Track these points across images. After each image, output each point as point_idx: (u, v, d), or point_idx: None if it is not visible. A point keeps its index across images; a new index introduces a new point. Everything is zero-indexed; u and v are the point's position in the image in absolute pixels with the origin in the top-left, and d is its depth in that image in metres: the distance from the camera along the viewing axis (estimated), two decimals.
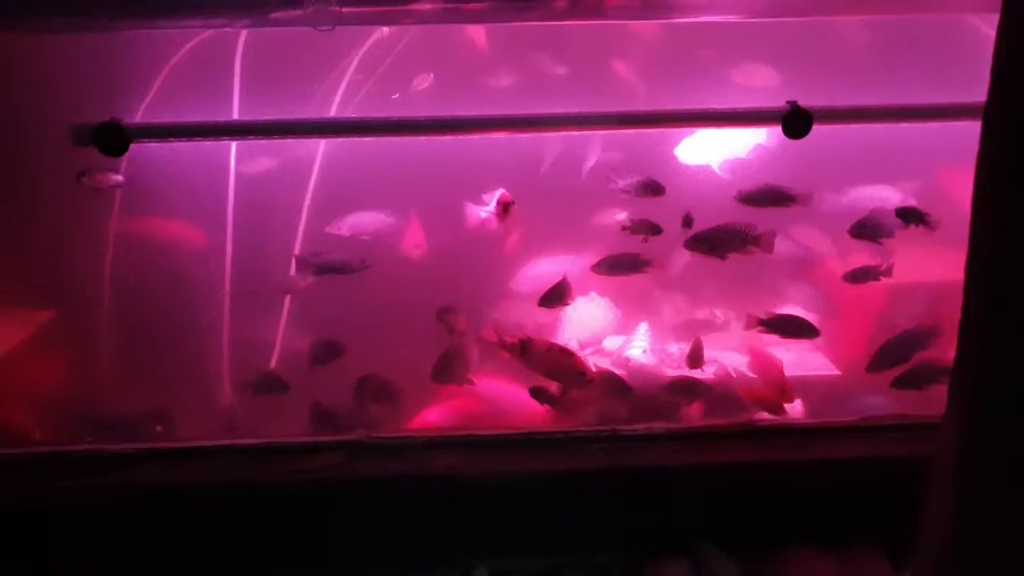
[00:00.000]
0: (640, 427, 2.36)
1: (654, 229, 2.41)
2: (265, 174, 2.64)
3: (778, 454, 2.29)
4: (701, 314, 2.77)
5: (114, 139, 2.04)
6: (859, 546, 2.24)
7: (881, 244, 2.43)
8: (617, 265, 2.47)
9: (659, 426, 2.37)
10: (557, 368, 2.33)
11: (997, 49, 1.13)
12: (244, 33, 2.48)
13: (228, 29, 2.40)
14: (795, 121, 2.11)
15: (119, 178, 2.33)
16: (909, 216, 2.40)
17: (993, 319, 1.17)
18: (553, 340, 2.47)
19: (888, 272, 2.49)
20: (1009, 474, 1.17)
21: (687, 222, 2.36)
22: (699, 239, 2.35)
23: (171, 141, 2.30)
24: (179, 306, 2.62)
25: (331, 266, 2.46)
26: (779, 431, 2.39)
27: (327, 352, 2.47)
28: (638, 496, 2.24)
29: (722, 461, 2.28)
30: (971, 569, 1.22)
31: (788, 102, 2.13)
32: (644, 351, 2.68)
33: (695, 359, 2.54)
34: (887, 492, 1.98)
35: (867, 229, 2.43)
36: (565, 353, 2.34)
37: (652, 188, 2.38)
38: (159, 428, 2.50)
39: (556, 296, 2.46)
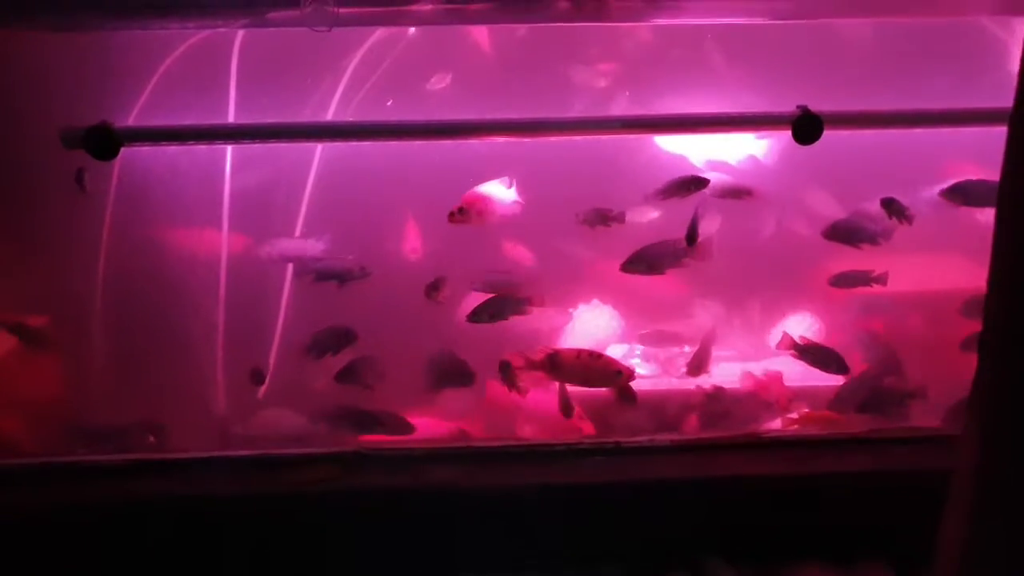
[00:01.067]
0: (642, 439, 2.33)
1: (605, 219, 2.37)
2: (260, 178, 2.59)
3: (784, 467, 2.25)
4: (706, 322, 2.72)
5: (104, 143, 2.00)
6: (866, 562, 2.20)
7: (860, 248, 2.39)
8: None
9: (662, 438, 2.34)
10: (591, 373, 2.32)
11: None
12: (240, 34, 2.43)
13: (224, 30, 2.35)
14: (805, 126, 2.08)
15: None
16: (891, 208, 2.36)
17: (1016, 333, 1.13)
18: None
19: (882, 279, 2.45)
20: None
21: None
22: (633, 260, 2.33)
23: (163, 145, 2.26)
24: (172, 314, 2.58)
25: (330, 273, 2.41)
26: (785, 443, 2.35)
27: (337, 340, 2.42)
28: (640, 509, 2.20)
29: (726, 474, 2.24)
30: None
31: (798, 106, 2.09)
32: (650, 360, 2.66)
33: (698, 366, 2.50)
34: (895, 506, 1.96)
35: (840, 232, 2.39)
36: (595, 356, 2.32)
37: (694, 184, 2.33)
38: (152, 439, 2.45)
39: (485, 312, 2.40)
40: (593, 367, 2.31)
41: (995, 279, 1.15)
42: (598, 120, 2.23)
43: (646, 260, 2.32)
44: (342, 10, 1.97)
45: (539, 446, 2.32)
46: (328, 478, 2.18)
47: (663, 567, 2.21)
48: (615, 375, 2.31)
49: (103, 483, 2.19)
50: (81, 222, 2.46)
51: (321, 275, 2.42)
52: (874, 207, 2.40)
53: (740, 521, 2.21)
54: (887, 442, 2.31)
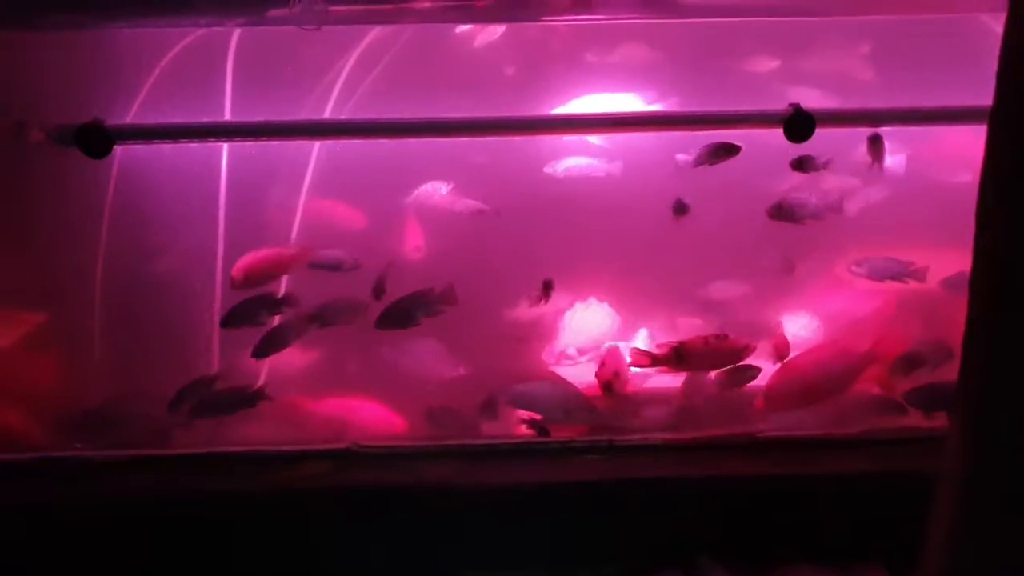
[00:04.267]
0: (637, 437, 2.32)
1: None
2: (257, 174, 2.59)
3: (779, 467, 2.24)
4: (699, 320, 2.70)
5: (97, 140, 2.00)
6: (861, 562, 2.19)
7: (804, 223, 2.35)
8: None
9: (656, 436, 2.33)
10: (721, 358, 2.28)
11: (1003, 49, 1.08)
12: (237, 33, 2.43)
13: (220, 29, 2.35)
14: (798, 124, 2.06)
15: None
16: (803, 165, 2.29)
17: (1000, 333, 1.12)
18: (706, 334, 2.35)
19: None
20: (1016, 496, 1.12)
21: (679, 208, 2.30)
22: (387, 314, 2.32)
23: (156, 143, 2.26)
24: (171, 309, 2.58)
25: (323, 262, 2.42)
26: (779, 443, 2.34)
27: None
28: (634, 508, 2.19)
29: (721, 473, 2.23)
30: None
31: (790, 104, 2.08)
32: None
33: None
34: (890, 507, 1.95)
35: (784, 210, 2.35)
36: (720, 339, 2.28)
37: (725, 150, 2.27)
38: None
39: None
40: (721, 351, 2.27)
41: (976, 282, 1.14)
42: (584, 118, 2.21)
43: (398, 314, 2.32)
44: (333, 8, 1.97)
45: (532, 443, 2.32)
46: (319, 475, 2.19)
47: (656, 566, 2.20)
48: (744, 350, 2.28)
49: (99, 479, 2.21)
50: (76, 217, 2.47)
51: (315, 265, 2.44)
52: (819, 181, 2.37)
53: (734, 521, 2.21)
54: (883, 443, 2.30)
